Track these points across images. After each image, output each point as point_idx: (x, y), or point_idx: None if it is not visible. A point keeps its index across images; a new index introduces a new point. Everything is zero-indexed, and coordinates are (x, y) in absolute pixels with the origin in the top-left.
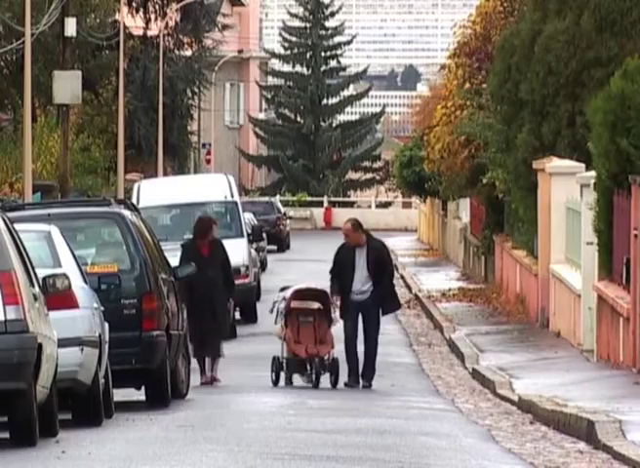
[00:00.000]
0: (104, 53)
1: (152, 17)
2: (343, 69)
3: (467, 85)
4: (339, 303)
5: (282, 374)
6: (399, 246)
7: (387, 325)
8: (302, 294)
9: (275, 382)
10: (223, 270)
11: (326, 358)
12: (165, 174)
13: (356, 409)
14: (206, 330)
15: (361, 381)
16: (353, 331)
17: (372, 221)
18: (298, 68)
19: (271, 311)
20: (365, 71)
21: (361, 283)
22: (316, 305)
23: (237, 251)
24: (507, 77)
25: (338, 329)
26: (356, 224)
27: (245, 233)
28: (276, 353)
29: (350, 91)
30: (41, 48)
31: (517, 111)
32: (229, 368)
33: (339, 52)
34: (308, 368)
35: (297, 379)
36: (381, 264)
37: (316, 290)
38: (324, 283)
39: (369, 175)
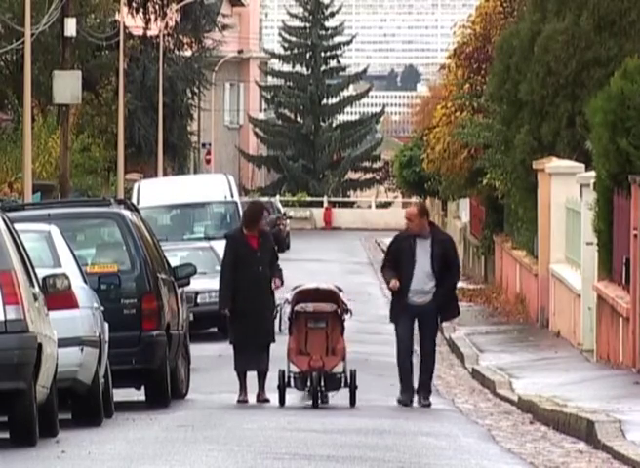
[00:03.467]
0: (104, 53)
1: (152, 17)
2: (343, 69)
3: (467, 85)
4: (397, 284)
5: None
6: None
7: (387, 325)
8: (310, 295)
9: (281, 402)
10: (271, 263)
11: (340, 372)
12: (165, 174)
13: (356, 409)
14: (251, 337)
15: (415, 399)
16: (408, 340)
17: (372, 221)
18: (297, 68)
19: (275, 317)
20: (365, 71)
21: (423, 282)
22: (330, 308)
23: None
24: (507, 77)
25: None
26: (422, 209)
27: None
28: (282, 365)
29: (350, 91)
30: (41, 48)
31: (516, 111)
32: (229, 368)
33: (338, 52)
34: (308, 382)
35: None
36: (448, 261)
37: (325, 289)
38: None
39: (369, 175)
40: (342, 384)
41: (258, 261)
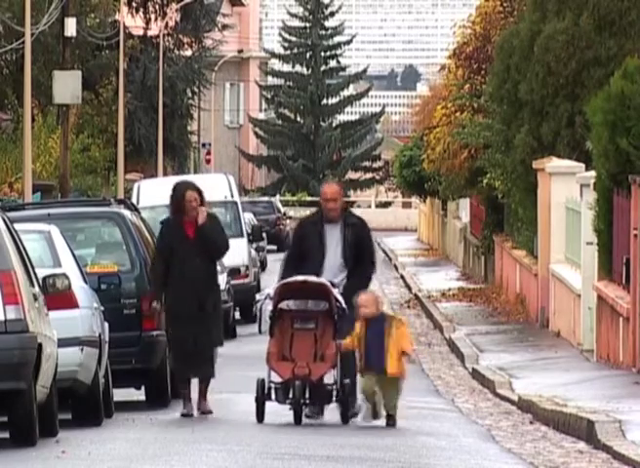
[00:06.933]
0: (104, 53)
1: (152, 17)
2: (343, 69)
3: (467, 85)
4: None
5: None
6: (399, 246)
7: None
8: (297, 290)
9: (259, 418)
10: (211, 240)
11: (331, 382)
12: (165, 173)
13: (356, 409)
14: (191, 339)
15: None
16: None
17: (372, 221)
18: (297, 68)
19: (254, 315)
20: (365, 71)
21: (332, 274)
22: (320, 306)
23: (237, 250)
24: (507, 77)
25: None
26: (342, 187)
27: (245, 233)
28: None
29: (350, 91)
30: (41, 48)
31: (516, 111)
32: (229, 368)
33: (338, 52)
34: (290, 393)
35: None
36: (361, 248)
37: (316, 283)
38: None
39: (369, 175)
40: (334, 397)
41: (195, 252)
